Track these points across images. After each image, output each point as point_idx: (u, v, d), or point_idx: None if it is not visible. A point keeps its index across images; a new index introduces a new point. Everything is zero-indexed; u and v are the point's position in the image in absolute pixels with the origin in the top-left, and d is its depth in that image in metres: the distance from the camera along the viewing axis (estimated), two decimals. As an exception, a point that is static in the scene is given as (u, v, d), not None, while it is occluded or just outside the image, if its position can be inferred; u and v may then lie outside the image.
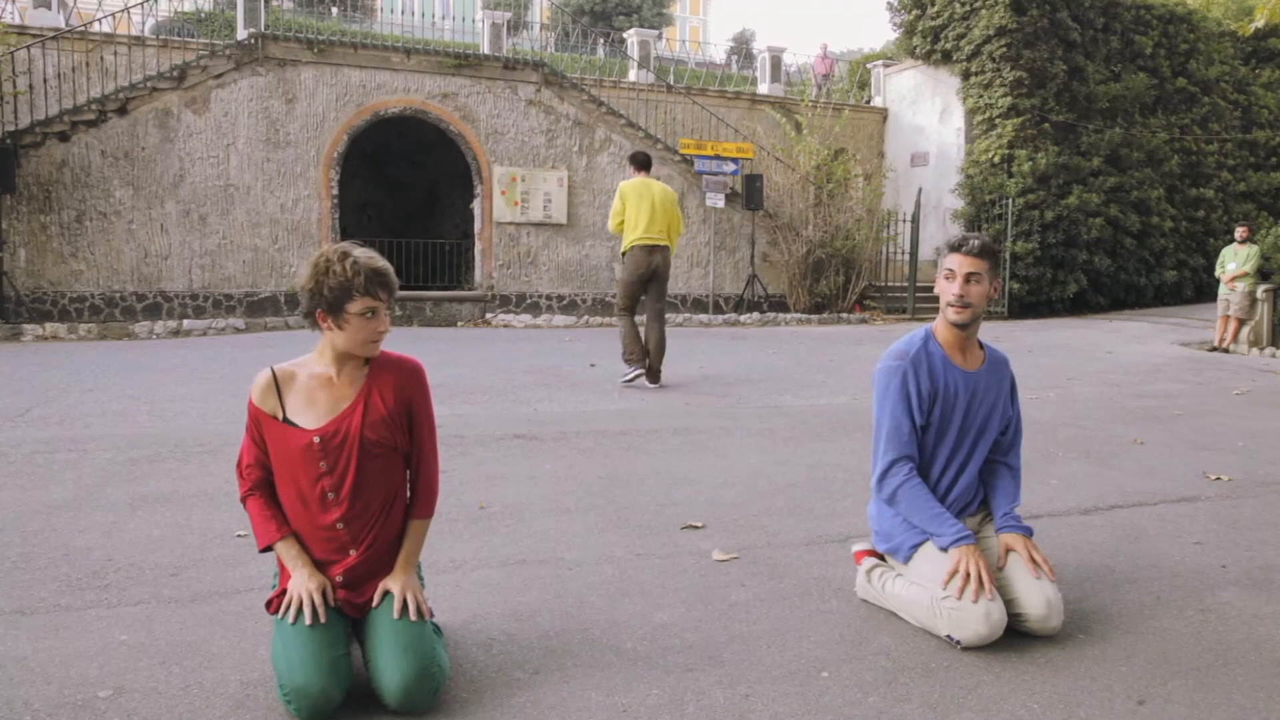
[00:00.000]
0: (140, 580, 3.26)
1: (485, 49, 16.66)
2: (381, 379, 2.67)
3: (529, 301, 16.02)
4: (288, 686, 2.31)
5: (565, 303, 16.24)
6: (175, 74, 13.64)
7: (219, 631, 2.84)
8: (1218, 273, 13.17)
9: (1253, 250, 12.77)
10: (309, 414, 2.56)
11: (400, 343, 12.12)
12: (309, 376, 2.63)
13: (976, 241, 3.00)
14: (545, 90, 16.02)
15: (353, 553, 2.54)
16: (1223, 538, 3.99)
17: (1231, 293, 12.78)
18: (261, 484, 2.58)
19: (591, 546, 3.72)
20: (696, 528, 3.97)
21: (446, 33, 25.39)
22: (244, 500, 2.60)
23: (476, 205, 15.85)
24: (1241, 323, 12.78)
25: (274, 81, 14.24)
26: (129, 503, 4.22)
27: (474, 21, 18.56)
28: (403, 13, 27.91)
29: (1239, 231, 13.05)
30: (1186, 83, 19.76)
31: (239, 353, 10.53)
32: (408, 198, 20.41)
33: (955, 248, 3.02)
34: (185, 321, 13.04)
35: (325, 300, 2.51)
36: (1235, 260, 12.84)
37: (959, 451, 3.11)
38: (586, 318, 15.79)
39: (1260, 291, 12.70)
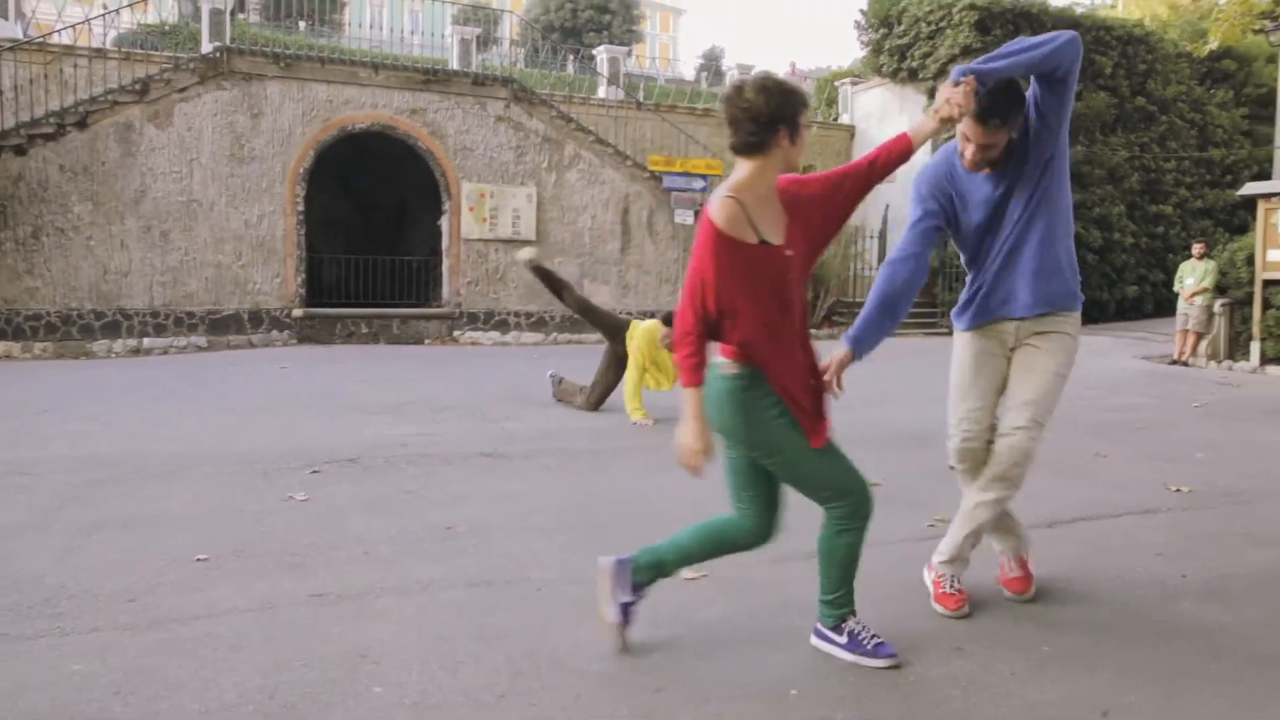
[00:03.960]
0: (94, 607, 3.19)
1: (454, 64, 16.66)
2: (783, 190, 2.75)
3: (497, 319, 15.96)
4: (856, 489, 2.82)
5: (534, 320, 16.20)
6: (137, 87, 13.48)
7: (176, 659, 2.78)
8: (1177, 288, 13.36)
9: (1210, 266, 12.97)
10: (774, 234, 2.66)
11: (366, 361, 12.08)
12: (755, 198, 2.66)
13: (991, 116, 2.91)
14: (514, 106, 16.01)
15: (812, 381, 2.82)
16: (1183, 549, 4.03)
17: (1190, 307, 12.97)
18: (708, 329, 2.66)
19: (559, 566, 3.69)
20: (665, 546, 3.94)
21: (416, 48, 25.34)
22: (691, 337, 2.66)
23: (445, 222, 15.78)
24: (1200, 336, 12.97)
25: (239, 96, 14.13)
26: (85, 527, 4.13)
27: (443, 37, 18.54)
28: (371, 27, 27.80)
29: (1197, 248, 13.26)
30: (1145, 102, 20.09)
31: (201, 372, 10.40)
32: (375, 214, 20.30)
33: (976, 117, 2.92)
34: (145, 340, 12.86)
35: (789, 117, 2.63)
36: (1193, 276, 13.03)
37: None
38: (555, 335, 15.76)
39: (1217, 306, 12.90)
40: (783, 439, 2.76)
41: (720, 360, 2.74)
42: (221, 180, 14.04)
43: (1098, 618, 3.19)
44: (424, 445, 6.09)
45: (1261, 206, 12.40)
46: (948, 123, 2.86)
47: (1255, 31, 16.00)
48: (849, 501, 2.83)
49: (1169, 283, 13.75)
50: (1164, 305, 19.05)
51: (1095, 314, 19.31)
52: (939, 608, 3.27)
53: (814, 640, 2.95)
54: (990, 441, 3.23)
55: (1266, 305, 12.36)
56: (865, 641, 2.83)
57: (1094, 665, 2.84)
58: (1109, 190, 19.38)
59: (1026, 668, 2.81)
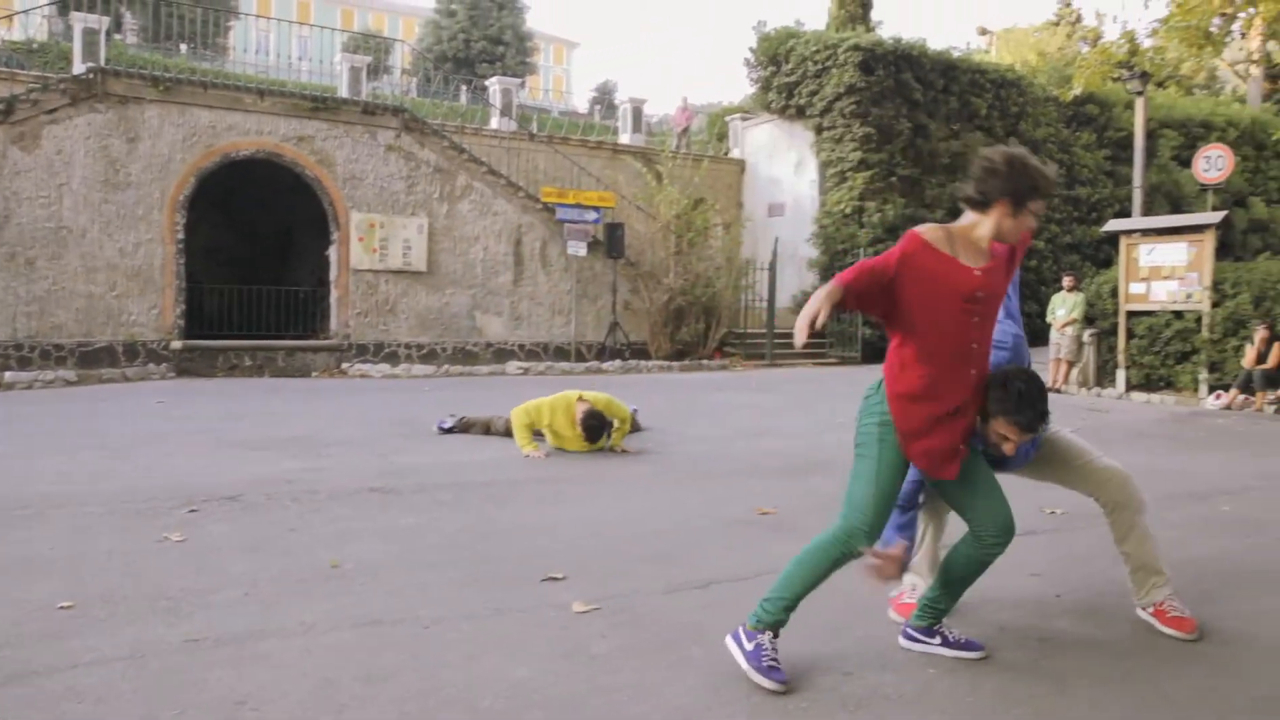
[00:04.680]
0: (-52, 658, 2.97)
1: (344, 92, 16.40)
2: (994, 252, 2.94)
3: (387, 351, 15.66)
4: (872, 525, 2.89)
5: (425, 352, 15.95)
6: (1, 107, 12.85)
7: (37, 715, 2.61)
8: (1049, 319, 14.00)
9: (1079, 298, 13.64)
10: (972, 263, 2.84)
11: (250, 395, 11.69)
12: (963, 238, 2.90)
13: (1042, 424, 3.05)
14: (406, 136, 15.84)
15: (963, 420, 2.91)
16: (1058, 569, 4.19)
17: (1062, 337, 13.62)
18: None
19: (450, 603, 3.61)
20: (558, 579, 3.91)
21: (304, 74, 24.82)
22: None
23: (333, 252, 15.45)
24: (1071, 365, 13.62)
25: (114, 119, 13.60)
26: (-62, 572, 3.86)
27: (333, 64, 18.24)
28: (257, 52, 27.16)
29: (1066, 280, 13.94)
30: (1018, 142, 20.98)
31: (69, 407, 9.90)
32: (260, 243, 19.75)
33: (1029, 429, 2.99)
34: (8, 374, 12.12)
35: (1015, 193, 2.80)
36: (1064, 307, 13.68)
37: None
38: (447, 367, 15.54)
39: (1086, 335, 13.58)
40: (866, 445, 2.98)
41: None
42: (94, 207, 13.46)
43: (980, 638, 3.28)
44: (310, 481, 5.91)
45: (1123, 242, 13.13)
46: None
47: (1114, 79, 17.00)
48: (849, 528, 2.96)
49: (1042, 314, 14.40)
50: (1038, 335, 19.84)
51: (974, 344, 20.06)
52: (1175, 632, 3.31)
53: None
54: None
55: (1130, 335, 13.06)
56: (957, 639, 3.15)
57: (977, 684, 2.92)
58: (985, 225, 20.20)
59: (914, 689, 2.88)
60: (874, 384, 3.01)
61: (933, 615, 3.17)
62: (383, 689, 2.81)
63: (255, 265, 19.03)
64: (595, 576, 3.97)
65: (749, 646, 2.92)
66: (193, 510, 5.04)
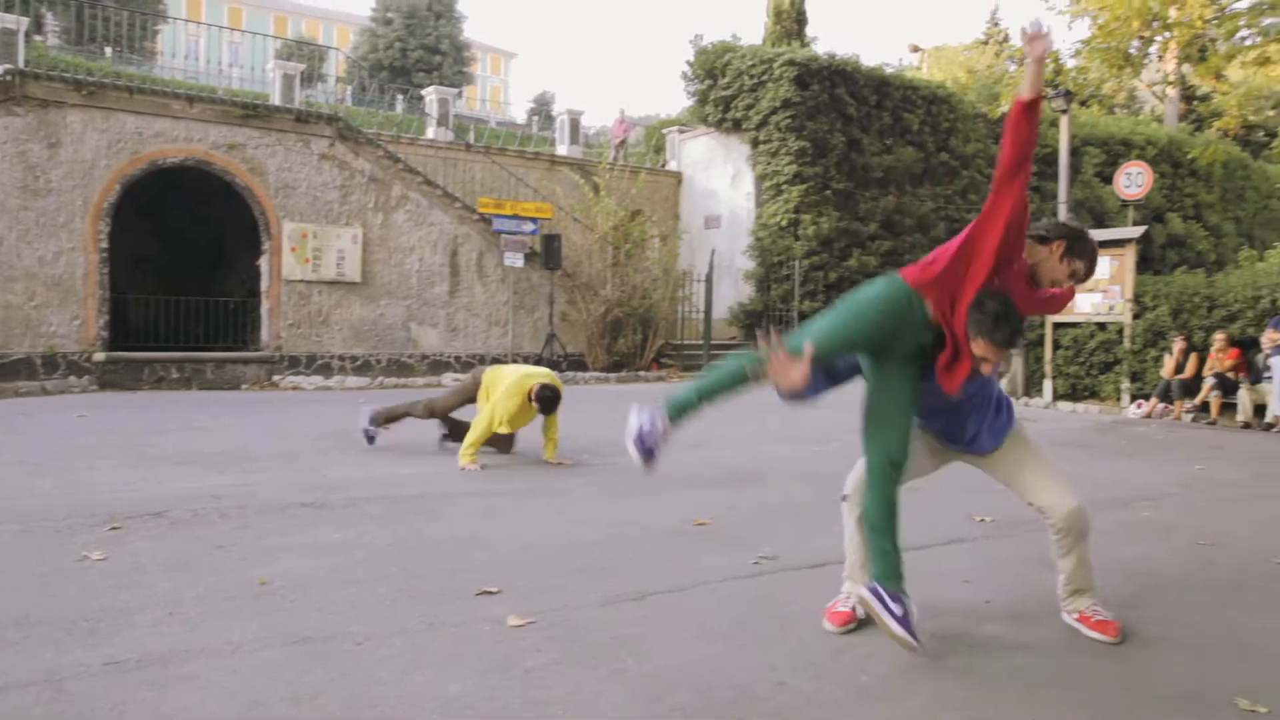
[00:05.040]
0: None
1: (276, 100, 16.14)
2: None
3: (320, 362, 15.41)
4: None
5: (359, 364, 15.73)
6: (-84, 114, 12.41)
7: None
8: (979, 331, 14.29)
9: (1008, 310, 13.96)
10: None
11: (177, 408, 11.38)
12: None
13: (1020, 338, 3.28)
14: (340, 145, 15.63)
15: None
16: (987, 575, 4.27)
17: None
18: None
19: (382, 619, 3.56)
20: (492, 593, 3.87)
21: (235, 81, 24.38)
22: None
23: (264, 262, 15.17)
24: (1000, 375, 13.92)
25: (34, 123, 13.20)
26: None
27: (265, 71, 17.94)
28: (186, 58, 26.60)
29: (996, 293, 14.27)
30: (949, 157, 21.54)
31: (-12, 420, 9.56)
32: (189, 253, 19.33)
33: (1006, 344, 3.10)
34: (-78, 386, 11.70)
35: (1067, 243, 3.27)
36: (994, 319, 13.98)
37: None
38: (381, 379, 15.34)
39: (1015, 347, 13.91)
40: (860, 305, 3.21)
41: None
42: (11, 214, 13.04)
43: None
44: (238, 496, 5.78)
45: (1049, 256, 13.46)
46: None
47: (1041, 96, 17.41)
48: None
49: (972, 326, 14.70)
50: (968, 347, 20.39)
51: (907, 355, 20.42)
52: (1100, 636, 3.43)
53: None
54: None
55: (1056, 346, 13.40)
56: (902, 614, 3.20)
57: (911, 690, 2.96)
58: (918, 238, 20.61)
59: (847, 696, 2.91)
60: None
61: None
62: (312, 708, 2.76)
63: (184, 275, 18.62)
64: (529, 590, 3.94)
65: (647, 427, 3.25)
66: (114, 528, 4.89)
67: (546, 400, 7.07)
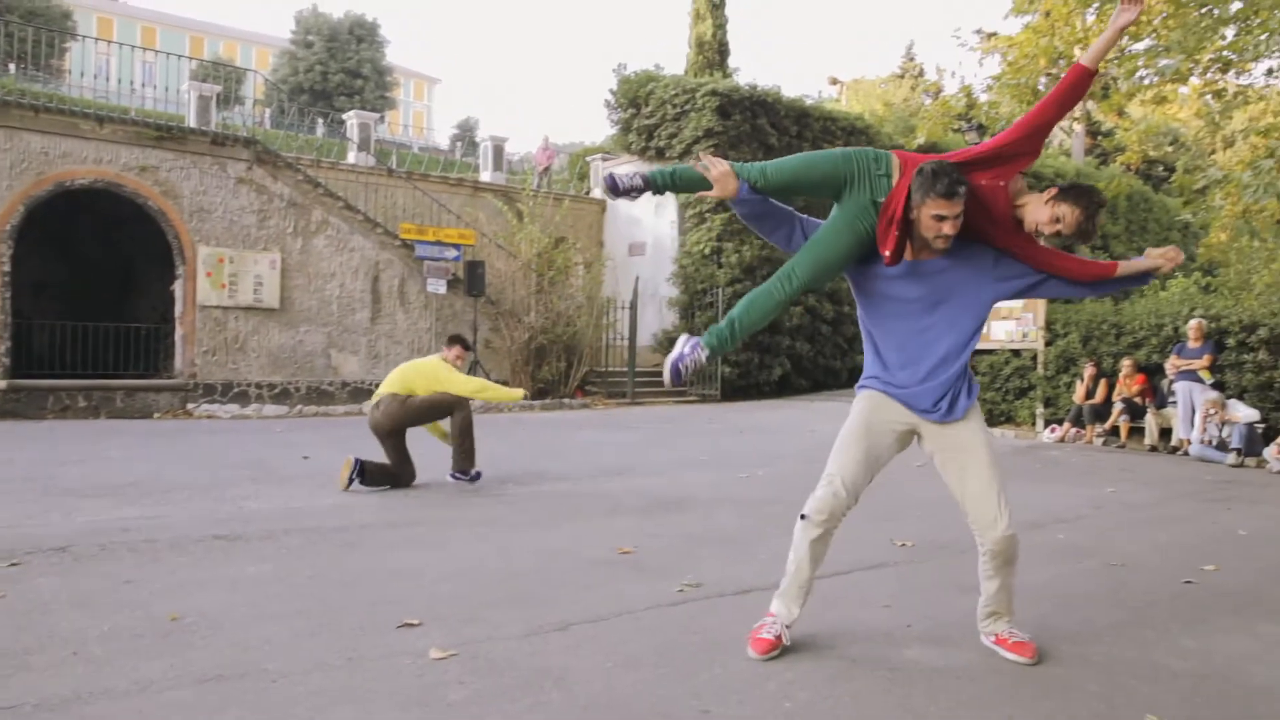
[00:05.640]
0: None
1: (192, 122, 15.78)
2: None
3: (236, 390, 15.02)
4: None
5: (277, 391, 15.38)
6: None
7: None
8: (898, 357, 14.58)
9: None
10: None
11: (84, 438, 10.99)
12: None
13: (962, 186, 3.22)
14: (258, 168, 15.35)
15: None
16: (907, 599, 4.33)
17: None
18: None
19: (298, 654, 3.46)
20: (413, 625, 3.80)
21: (149, 101, 23.76)
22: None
23: (178, 287, 14.77)
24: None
25: (-66, 145, 12.70)
26: None
27: (180, 92, 17.53)
28: (96, 77, 25.85)
29: (914, 320, 14.59)
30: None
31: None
32: (98, 278, 18.70)
33: (947, 194, 3.19)
34: None
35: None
36: (912, 346, 14.29)
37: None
38: (300, 407, 15.02)
39: (933, 374, 14.21)
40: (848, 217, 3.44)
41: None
42: (-91, 237, 12.49)
43: (835, 669, 3.36)
44: (148, 529, 5.58)
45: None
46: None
47: (954, 130, 17.99)
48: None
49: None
50: (887, 373, 20.79)
51: (830, 381, 20.72)
52: (1017, 657, 3.48)
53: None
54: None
55: (975, 372, 13.71)
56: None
57: (835, 714, 2.98)
58: (837, 267, 20.96)
59: (770, 725, 2.91)
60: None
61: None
62: (223, 750, 2.66)
63: (92, 301, 17.99)
64: (452, 621, 3.87)
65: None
66: (14, 564, 4.68)
67: (460, 339, 7.78)
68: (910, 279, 3.47)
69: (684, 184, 3.66)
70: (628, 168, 3.54)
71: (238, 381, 15.05)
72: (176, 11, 73.94)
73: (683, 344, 3.47)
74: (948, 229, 3.26)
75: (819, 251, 3.46)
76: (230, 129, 17.41)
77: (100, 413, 13.64)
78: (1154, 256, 3.42)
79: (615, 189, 3.66)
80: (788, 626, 3.57)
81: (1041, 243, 3.48)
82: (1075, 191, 3.32)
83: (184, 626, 3.76)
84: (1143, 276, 3.55)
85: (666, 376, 3.47)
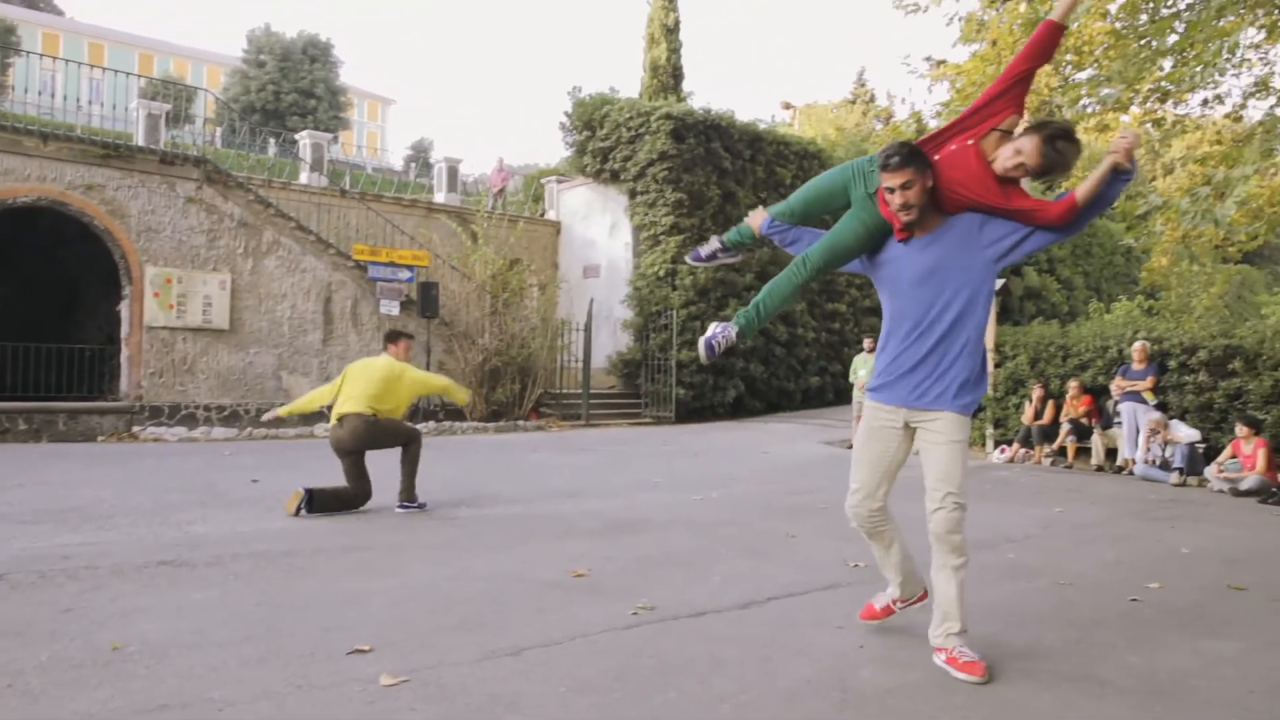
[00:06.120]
0: None
1: (140, 140, 15.54)
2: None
3: (184, 413, 14.75)
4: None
5: (226, 414, 15.13)
6: None
7: None
8: (852, 378, 14.73)
9: (878, 359, 14.44)
10: None
11: (24, 462, 10.71)
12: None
13: (895, 157, 3.45)
14: (208, 188, 15.15)
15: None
16: (861, 620, 4.35)
17: (864, 396, 14.34)
18: None
19: (246, 682, 3.39)
20: (364, 652, 3.74)
21: (95, 119, 23.38)
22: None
23: (124, 307, 14.50)
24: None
25: None
26: None
27: (128, 110, 17.26)
28: (41, 93, 25.42)
29: (867, 342, 14.73)
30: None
31: None
32: (41, 297, 18.31)
33: (883, 166, 3.49)
34: None
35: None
36: (865, 367, 14.44)
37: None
38: (250, 430, 14.78)
39: (885, 395, 14.35)
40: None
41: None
42: None
43: (788, 691, 3.36)
44: (89, 556, 5.45)
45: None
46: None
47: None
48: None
49: (846, 374, 15.12)
50: (842, 394, 20.94)
51: (784, 403, 20.87)
52: (968, 676, 3.50)
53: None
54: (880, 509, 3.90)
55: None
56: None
57: (785, 740, 2.98)
58: (791, 289, 21.14)
59: (724, 749, 2.90)
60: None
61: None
62: (166, 782, 2.59)
63: (35, 321, 17.60)
64: (403, 647, 3.82)
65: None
66: (-51, 592, 4.54)
67: (390, 333, 7.88)
68: (904, 260, 3.71)
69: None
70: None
71: (185, 404, 14.79)
72: (126, 28, 72.98)
73: (715, 327, 3.85)
74: (898, 200, 3.49)
75: (830, 239, 3.81)
76: (180, 148, 17.19)
77: (42, 436, 13.32)
78: (1109, 155, 3.33)
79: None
80: (896, 600, 4.06)
81: (1026, 188, 3.66)
82: (1032, 124, 3.45)
83: (126, 656, 3.67)
84: (1114, 183, 3.35)
85: (702, 353, 3.84)
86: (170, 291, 14.65)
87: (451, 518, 7.12)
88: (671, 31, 25.63)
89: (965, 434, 3.69)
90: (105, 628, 4.03)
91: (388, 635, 3.97)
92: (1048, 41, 3.53)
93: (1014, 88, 3.51)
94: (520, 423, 17.05)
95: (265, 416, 8.09)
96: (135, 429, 14.11)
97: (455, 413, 16.94)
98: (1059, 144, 3.34)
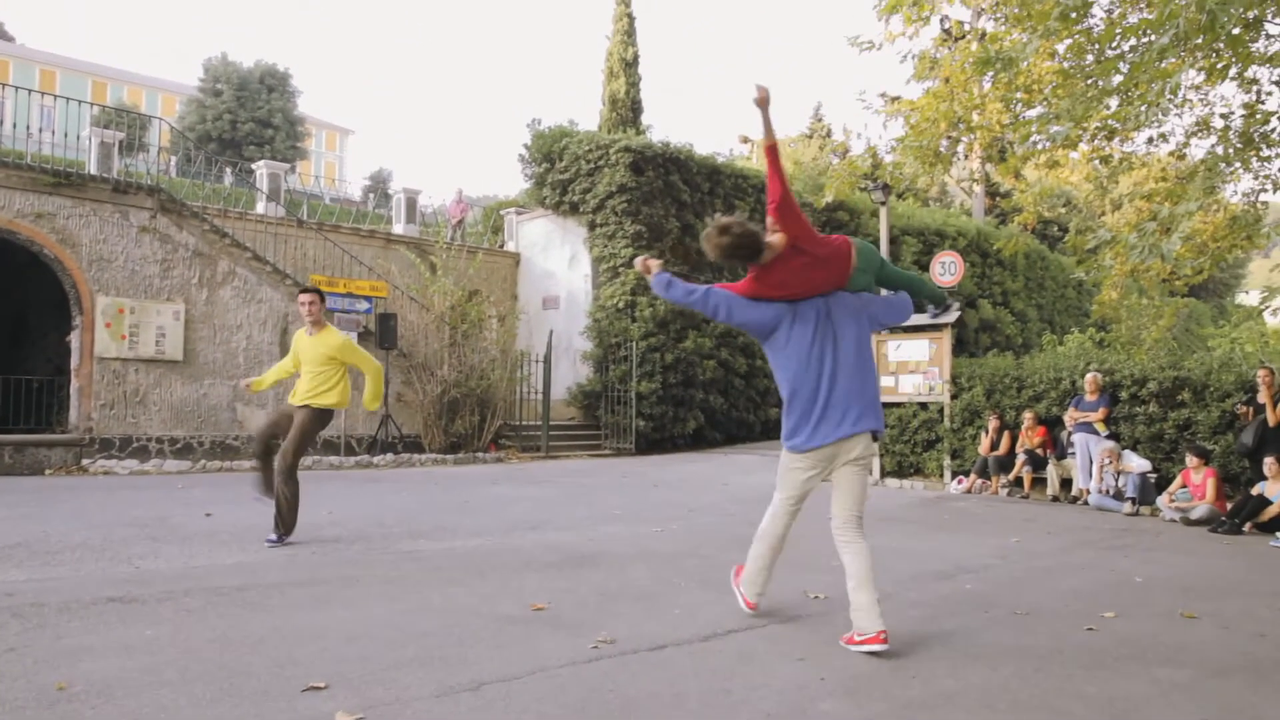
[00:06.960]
0: None
1: (92, 168, 15.35)
2: None
3: (136, 445, 14.48)
4: None
5: (179, 446, 14.87)
6: None
7: None
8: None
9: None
10: None
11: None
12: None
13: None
14: (162, 217, 14.98)
15: None
16: (822, 652, 4.35)
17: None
18: None
19: (196, 722, 3.30)
20: (319, 688, 3.67)
21: (46, 147, 23.05)
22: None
23: (75, 338, 14.25)
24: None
25: None
26: None
27: (80, 138, 17.06)
28: (-10, 121, 25.01)
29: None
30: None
31: None
32: (-13, 327, 17.94)
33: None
34: None
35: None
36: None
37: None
38: (204, 462, 14.53)
39: (844, 426, 14.45)
40: None
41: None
42: None
43: (749, 726, 3.34)
44: (34, 593, 5.30)
45: (873, 339, 14.17)
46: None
47: (861, 189, 18.54)
48: None
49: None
50: (799, 425, 21.08)
51: (744, 434, 20.92)
52: (869, 647, 4.25)
53: None
54: None
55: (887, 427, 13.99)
56: None
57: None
58: (750, 321, 21.26)
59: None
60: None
61: None
62: (112, 827, 2.51)
63: (-20, 352, 17.24)
64: (360, 683, 3.76)
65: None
66: (-114, 632, 4.39)
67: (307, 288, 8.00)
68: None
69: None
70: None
71: (137, 436, 14.51)
72: (79, 55, 72.13)
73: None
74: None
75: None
76: (134, 176, 16.98)
77: (-14, 469, 12.99)
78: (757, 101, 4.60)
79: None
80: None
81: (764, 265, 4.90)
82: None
83: (72, 695, 3.57)
84: (654, 284, 4.82)
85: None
86: (123, 322, 14.42)
87: (409, 551, 7.04)
88: (630, 65, 25.89)
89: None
90: (50, 667, 3.92)
91: (344, 671, 3.91)
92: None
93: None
94: (480, 454, 16.92)
95: (241, 383, 8.54)
96: (85, 462, 13.81)
97: (414, 444, 16.79)
98: (716, 239, 4.74)
